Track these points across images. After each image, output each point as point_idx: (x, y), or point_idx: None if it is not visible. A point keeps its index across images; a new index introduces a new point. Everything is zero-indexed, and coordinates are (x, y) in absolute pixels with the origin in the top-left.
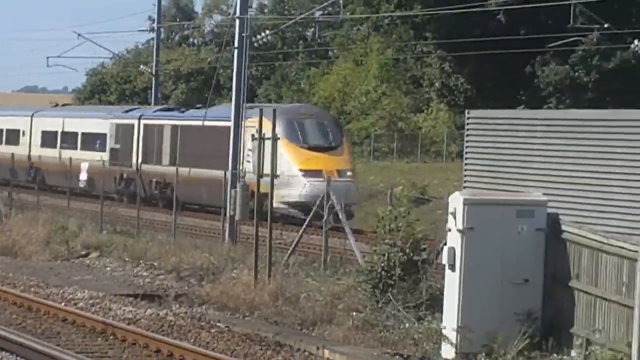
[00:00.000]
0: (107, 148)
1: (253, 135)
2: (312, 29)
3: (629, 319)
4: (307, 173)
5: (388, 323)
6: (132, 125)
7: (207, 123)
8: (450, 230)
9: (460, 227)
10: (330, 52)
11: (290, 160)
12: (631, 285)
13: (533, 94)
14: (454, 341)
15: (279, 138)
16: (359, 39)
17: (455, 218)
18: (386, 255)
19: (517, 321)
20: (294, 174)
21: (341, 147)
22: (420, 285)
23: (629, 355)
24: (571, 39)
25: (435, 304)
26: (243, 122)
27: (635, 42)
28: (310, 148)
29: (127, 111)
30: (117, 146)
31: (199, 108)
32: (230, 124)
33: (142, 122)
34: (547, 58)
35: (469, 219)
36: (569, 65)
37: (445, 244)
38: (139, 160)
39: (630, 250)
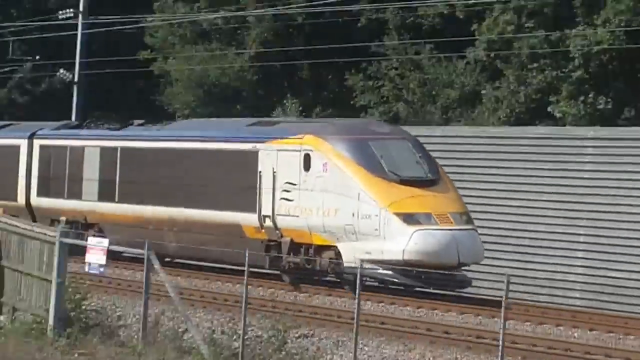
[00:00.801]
0: None
1: (307, 163)
2: None
3: (48, 290)
4: (409, 218)
5: None
6: (16, 147)
7: (180, 145)
8: None
9: None
10: None
11: (375, 199)
12: (50, 264)
13: None
14: None
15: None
16: None
17: None
18: None
19: None
20: (385, 220)
21: (442, 179)
22: None
23: (47, 318)
24: (10, 68)
25: None
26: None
27: (61, 70)
28: (403, 182)
29: None
30: None
31: (142, 124)
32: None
33: (37, 142)
34: None
35: None
36: (7, 89)
37: None
38: (32, 193)
39: (50, 236)
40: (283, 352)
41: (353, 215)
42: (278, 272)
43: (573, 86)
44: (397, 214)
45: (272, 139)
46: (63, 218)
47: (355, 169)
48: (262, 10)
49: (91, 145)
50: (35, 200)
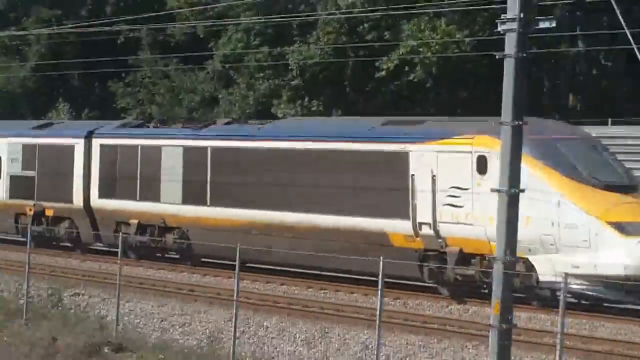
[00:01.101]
0: (3, 175)
1: (482, 165)
2: None
3: None
4: (626, 228)
5: None
6: (69, 147)
7: (298, 145)
8: None
9: None
10: None
11: (582, 207)
12: None
13: None
14: None
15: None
16: None
17: None
18: None
19: None
20: (597, 230)
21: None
22: None
23: None
24: None
25: None
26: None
27: None
28: (607, 187)
29: (41, 127)
30: (28, 173)
31: (229, 124)
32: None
33: (97, 141)
34: None
35: None
36: None
37: None
38: (92, 195)
39: None
40: (60, 307)
41: (552, 224)
42: (434, 285)
43: (292, 92)
44: (611, 224)
45: (428, 139)
46: (134, 221)
47: (550, 173)
48: (41, 31)
49: (170, 144)
50: (97, 202)
